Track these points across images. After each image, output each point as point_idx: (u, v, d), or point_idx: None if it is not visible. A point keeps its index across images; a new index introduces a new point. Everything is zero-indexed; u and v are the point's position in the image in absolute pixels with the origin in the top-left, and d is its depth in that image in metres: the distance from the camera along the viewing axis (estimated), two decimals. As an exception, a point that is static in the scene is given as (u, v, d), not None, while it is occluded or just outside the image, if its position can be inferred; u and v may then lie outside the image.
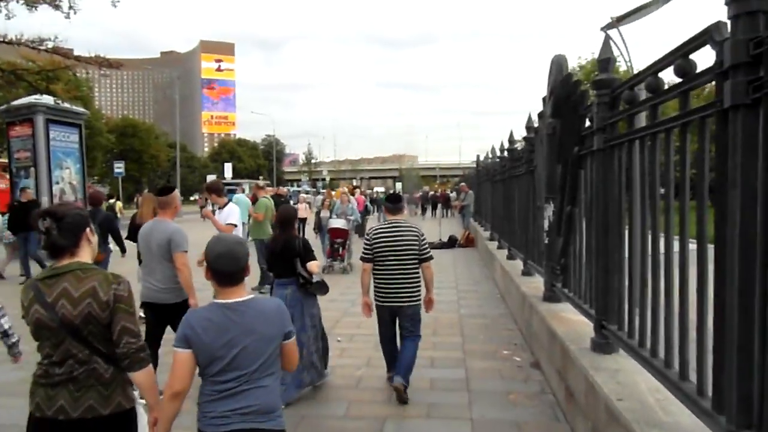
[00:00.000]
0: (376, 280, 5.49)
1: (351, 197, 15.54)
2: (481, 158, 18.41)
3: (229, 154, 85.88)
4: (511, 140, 10.55)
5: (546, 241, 6.29)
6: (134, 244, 6.69)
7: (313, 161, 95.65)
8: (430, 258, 5.46)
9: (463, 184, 26.19)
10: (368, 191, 40.12)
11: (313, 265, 5.33)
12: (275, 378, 2.66)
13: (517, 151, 9.98)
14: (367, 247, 5.48)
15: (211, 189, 8.24)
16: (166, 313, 5.25)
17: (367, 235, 5.58)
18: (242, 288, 2.68)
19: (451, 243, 19.00)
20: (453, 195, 38.09)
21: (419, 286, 5.50)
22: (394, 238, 5.43)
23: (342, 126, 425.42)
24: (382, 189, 59.29)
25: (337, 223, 13.74)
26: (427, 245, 5.50)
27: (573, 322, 5.35)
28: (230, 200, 18.47)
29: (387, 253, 5.41)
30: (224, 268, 2.64)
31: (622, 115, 4.04)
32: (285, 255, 5.36)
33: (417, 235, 5.46)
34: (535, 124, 7.40)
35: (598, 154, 4.49)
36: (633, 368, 3.85)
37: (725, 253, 2.51)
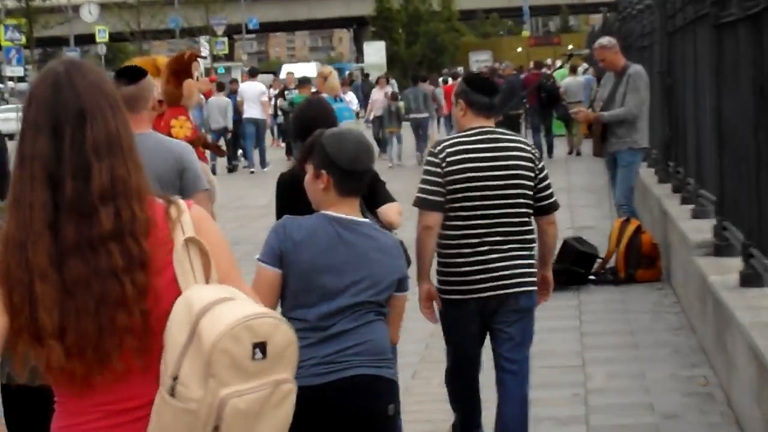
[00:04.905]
0: (453, 249, 3.19)
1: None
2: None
3: None
4: None
5: None
6: None
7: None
8: (555, 206, 3.33)
9: (605, 41, 7.13)
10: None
11: (392, 211, 3.06)
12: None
13: None
14: (436, 177, 3.14)
15: None
16: None
17: (435, 153, 3.22)
18: None
19: (578, 266, 6.60)
20: (564, 82, 15.29)
21: (534, 256, 3.31)
22: (489, 160, 3.16)
23: None
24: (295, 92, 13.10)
25: None
26: (548, 179, 3.30)
27: None
28: None
29: (477, 191, 3.13)
30: None
31: None
32: None
33: (531, 157, 3.25)
34: None
35: None
36: None
37: None
